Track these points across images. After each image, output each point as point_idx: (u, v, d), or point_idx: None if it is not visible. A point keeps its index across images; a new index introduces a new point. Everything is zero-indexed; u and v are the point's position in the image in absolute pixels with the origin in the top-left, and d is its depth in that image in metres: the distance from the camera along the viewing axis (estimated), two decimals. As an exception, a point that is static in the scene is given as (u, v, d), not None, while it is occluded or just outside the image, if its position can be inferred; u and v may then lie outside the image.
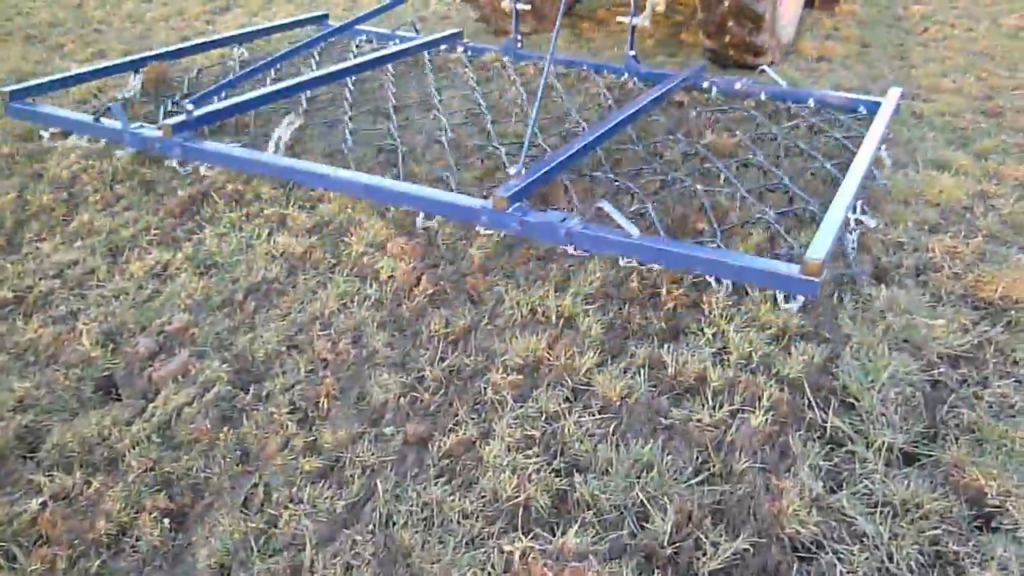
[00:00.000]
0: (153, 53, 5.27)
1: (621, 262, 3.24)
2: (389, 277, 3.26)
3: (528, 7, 5.74)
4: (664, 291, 3.16)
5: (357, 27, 5.80)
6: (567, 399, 2.62)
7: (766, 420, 2.49)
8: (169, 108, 4.35)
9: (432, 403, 2.61)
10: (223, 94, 4.46)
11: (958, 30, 7.27)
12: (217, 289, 3.20)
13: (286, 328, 2.96)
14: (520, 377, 2.70)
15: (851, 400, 2.62)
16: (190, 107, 4.08)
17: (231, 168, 4.01)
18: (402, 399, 2.61)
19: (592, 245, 3.20)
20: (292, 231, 3.60)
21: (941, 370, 2.77)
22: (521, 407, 2.56)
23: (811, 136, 4.54)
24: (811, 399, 2.61)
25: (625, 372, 2.73)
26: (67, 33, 6.78)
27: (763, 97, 5.00)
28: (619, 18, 5.40)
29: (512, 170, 3.48)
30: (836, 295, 3.16)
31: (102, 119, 4.16)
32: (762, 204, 3.70)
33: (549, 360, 2.78)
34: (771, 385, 2.65)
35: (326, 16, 6.26)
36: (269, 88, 4.62)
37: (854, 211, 3.52)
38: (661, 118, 4.74)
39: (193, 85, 5.12)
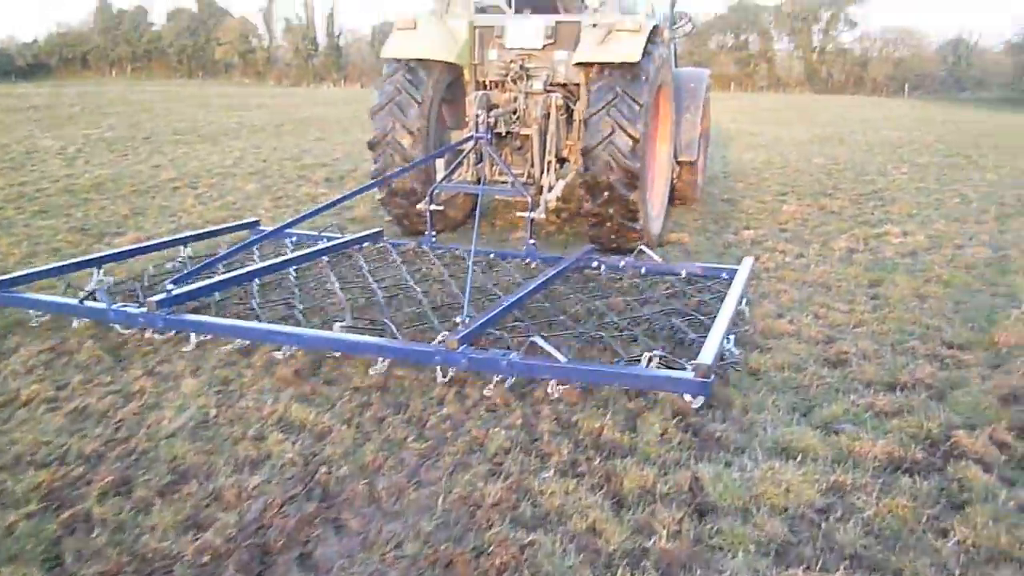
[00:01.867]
0: (114, 252, 5.94)
1: None
2: None
3: (441, 208, 6.76)
4: None
5: (287, 231, 6.45)
6: None
7: None
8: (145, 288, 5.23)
9: None
10: (188, 280, 4.96)
11: (789, 256, 6.88)
12: None
13: None
14: None
15: None
16: (171, 287, 4.69)
17: (210, 333, 4.51)
18: None
19: (529, 371, 3.86)
20: None
21: None
22: None
23: (685, 296, 5.49)
24: None
25: None
26: None
27: (643, 271, 5.98)
28: (519, 213, 6.61)
29: (458, 319, 4.32)
30: None
31: (86, 302, 4.65)
32: (652, 341, 4.56)
33: None
34: None
35: (257, 222, 7.29)
36: (230, 274, 5.43)
37: (727, 342, 4.27)
38: (562, 287, 5.64)
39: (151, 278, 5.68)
